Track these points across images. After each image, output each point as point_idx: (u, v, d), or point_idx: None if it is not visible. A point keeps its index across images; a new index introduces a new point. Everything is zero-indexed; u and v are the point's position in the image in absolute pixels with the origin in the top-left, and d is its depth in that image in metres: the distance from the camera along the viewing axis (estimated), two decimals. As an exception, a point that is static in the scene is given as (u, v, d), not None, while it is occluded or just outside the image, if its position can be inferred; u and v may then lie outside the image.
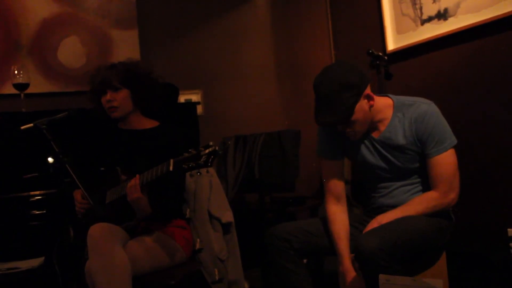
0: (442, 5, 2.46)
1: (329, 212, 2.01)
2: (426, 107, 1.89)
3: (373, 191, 2.07)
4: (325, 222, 2.04)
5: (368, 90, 1.87)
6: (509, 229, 1.83)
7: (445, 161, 1.87)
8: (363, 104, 1.85)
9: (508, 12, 2.13)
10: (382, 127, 1.95)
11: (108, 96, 2.17)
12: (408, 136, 1.90)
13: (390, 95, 1.98)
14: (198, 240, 2.24)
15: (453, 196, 1.88)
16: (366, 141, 1.99)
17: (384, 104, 1.95)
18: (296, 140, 3.03)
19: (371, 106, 1.88)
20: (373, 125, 1.95)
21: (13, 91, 2.81)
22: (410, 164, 1.94)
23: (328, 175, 2.05)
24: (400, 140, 1.91)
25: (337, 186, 2.03)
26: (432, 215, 1.89)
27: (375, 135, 1.97)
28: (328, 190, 2.05)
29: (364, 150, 2.00)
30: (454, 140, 1.88)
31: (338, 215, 1.99)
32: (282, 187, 3.02)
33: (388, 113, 1.94)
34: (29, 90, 2.83)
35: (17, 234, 2.45)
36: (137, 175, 1.95)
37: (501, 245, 1.96)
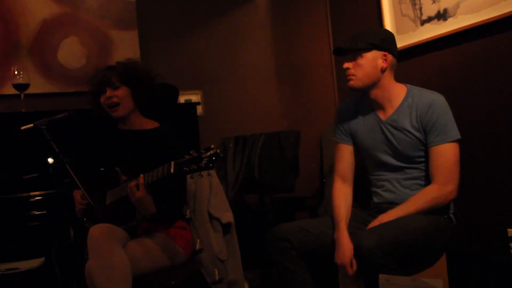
0: (441, 6, 2.46)
1: (334, 190, 2.10)
2: (434, 96, 1.95)
3: (375, 185, 2.09)
4: (326, 221, 2.05)
5: (389, 56, 1.98)
6: (509, 229, 1.84)
7: (446, 152, 1.89)
8: (377, 57, 1.96)
9: (508, 13, 2.13)
10: (391, 110, 2.00)
11: (108, 93, 2.16)
12: (413, 121, 1.94)
13: (407, 84, 2.05)
14: (198, 240, 2.24)
15: (451, 188, 1.89)
16: (373, 122, 2.05)
17: (399, 87, 2.03)
18: (296, 141, 3.03)
19: (382, 68, 1.97)
20: (382, 103, 2.02)
21: (13, 91, 2.81)
22: (411, 151, 1.96)
23: (339, 158, 2.15)
24: (406, 124, 1.95)
25: (345, 168, 2.13)
26: (432, 212, 1.90)
27: (382, 116, 2.02)
28: (337, 172, 2.14)
29: (369, 131, 2.05)
30: (458, 134, 1.91)
31: (342, 193, 2.08)
32: (281, 188, 3.02)
33: (400, 96, 2.00)
34: (29, 91, 2.83)
35: (17, 235, 2.45)
36: (141, 175, 1.93)
37: (501, 245, 1.96)
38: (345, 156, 2.14)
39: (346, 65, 1.99)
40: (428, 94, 1.97)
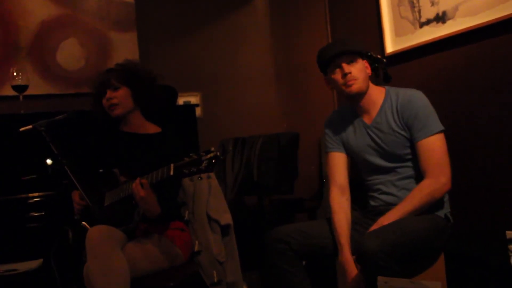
0: (440, 8, 2.47)
1: (333, 202, 2.05)
2: (412, 92, 1.99)
3: (371, 189, 2.10)
4: (324, 224, 2.06)
5: (368, 65, 2.05)
6: (507, 232, 1.83)
7: (433, 145, 1.90)
8: (364, 64, 2.02)
9: (507, 15, 2.13)
10: (374, 113, 2.03)
11: (108, 94, 2.17)
12: (396, 120, 1.97)
13: (385, 86, 2.08)
14: (196, 242, 2.24)
15: (444, 180, 1.89)
16: (360, 128, 2.07)
17: (377, 90, 2.06)
18: (295, 142, 3.03)
19: (368, 73, 2.03)
20: (367, 107, 2.04)
21: (12, 92, 2.81)
22: (399, 149, 1.98)
23: (334, 167, 2.12)
24: (390, 124, 1.98)
25: (341, 177, 2.09)
26: (429, 212, 1.91)
27: (367, 121, 2.05)
28: (333, 181, 2.10)
29: (358, 137, 2.07)
30: (440, 126, 1.92)
31: (342, 206, 2.03)
32: (280, 189, 3.02)
33: (380, 98, 2.03)
34: (28, 92, 2.83)
35: (15, 236, 2.45)
36: (143, 177, 1.92)
37: (499, 247, 1.96)
38: (340, 164, 2.11)
39: (348, 69, 1.96)
40: (405, 91, 2.00)
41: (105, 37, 3.27)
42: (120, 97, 2.17)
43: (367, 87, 2.02)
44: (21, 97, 2.79)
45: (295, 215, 3.30)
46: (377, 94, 2.04)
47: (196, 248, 2.23)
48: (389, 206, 1.98)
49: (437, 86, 2.50)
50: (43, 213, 2.48)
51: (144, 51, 3.35)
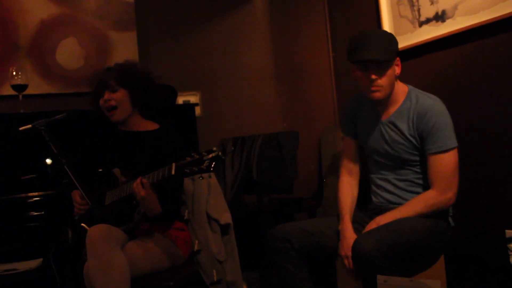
0: (439, 7, 2.47)
1: (340, 181, 2.15)
2: (431, 102, 1.92)
3: (374, 184, 2.10)
4: (326, 222, 2.06)
5: (399, 61, 1.96)
6: (507, 231, 1.83)
7: (445, 160, 1.87)
8: (394, 67, 1.93)
9: (506, 14, 2.13)
10: (392, 110, 2.00)
11: (106, 96, 2.16)
12: (410, 126, 1.94)
13: (408, 85, 2.03)
14: (196, 241, 2.24)
15: (450, 195, 1.88)
16: (374, 121, 2.05)
17: (401, 88, 2.01)
18: (294, 141, 3.03)
19: (396, 75, 1.95)
20: (387, 103, 2.00)
21: (12, 92, 2.80)
22: (405, 154, 1.96)
23: (346, 152, 2.20)
24: (403, 127, 1.95)
25: (351, 162, 2.17)
26: (430, 216, 1.90)
27: (383, 117, 2.02)
28: (343, 165, 2.19)
29: (369, 130, 2.06)
30: (454, 142, 1.87)
31: (348, 184, 2.13)
32: (280, 189, 3.02)
33: (401, 97, 1.99)
34: (28, 91, 2.83)
35: (15, 236, 2.44)
36: (143, 177, 1.93)
37: (499, 246, 1.96)
38: (352, 149, 2.18)
39: (374, 76, 1.88)
40: (425, 99, 1.93)
41: (104, 36, 3.26)
42: (118, 99, 2.16)
43: (392, 91, 1.95)
44: (20, 96, 2.79)
45: (294, 214, 3.30)
46: (400, 92, 1.98)
47: (196, 248, 2.23)
48: (390, 205, 1.97)
49: (436, 86, 2.50)
50: (42, 213, 2.48)
51: (143, 50, 3.35)
